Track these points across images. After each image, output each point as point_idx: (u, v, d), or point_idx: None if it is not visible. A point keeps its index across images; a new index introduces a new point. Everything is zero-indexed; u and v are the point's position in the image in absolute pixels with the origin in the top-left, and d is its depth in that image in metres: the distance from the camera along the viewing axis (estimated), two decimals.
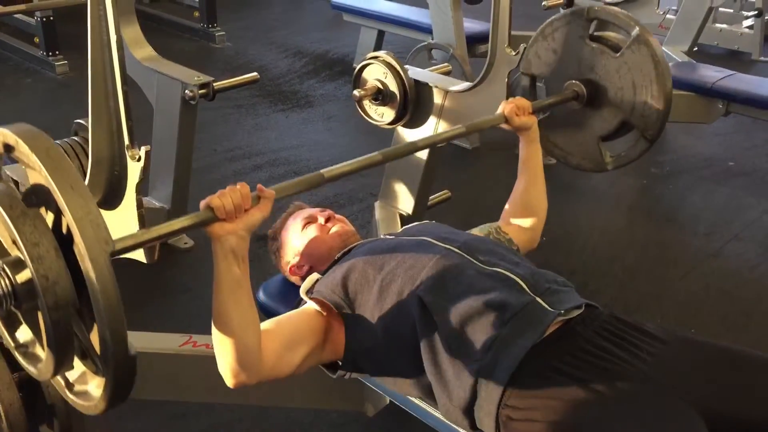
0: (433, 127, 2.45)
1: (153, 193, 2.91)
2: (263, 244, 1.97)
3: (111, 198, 2.06)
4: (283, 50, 5.45)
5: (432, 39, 4.13)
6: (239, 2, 6.52)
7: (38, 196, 1.13)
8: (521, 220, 1.89)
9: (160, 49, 2.83)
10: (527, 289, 1.49)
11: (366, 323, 1.53)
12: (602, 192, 3.67)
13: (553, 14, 2.41)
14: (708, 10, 4.34)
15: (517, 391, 1.37)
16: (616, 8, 2.17)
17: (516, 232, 1.87)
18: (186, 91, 2.63)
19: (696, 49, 4.46)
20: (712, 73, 3.71)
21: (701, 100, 3.61)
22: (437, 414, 1.58)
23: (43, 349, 1.17)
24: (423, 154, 2.51)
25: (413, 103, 2.39)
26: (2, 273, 1.11)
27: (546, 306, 1.46)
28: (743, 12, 5.41)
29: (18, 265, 1.11)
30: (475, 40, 4.09)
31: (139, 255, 2.08)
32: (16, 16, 4.71)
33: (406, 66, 2.40)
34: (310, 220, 1.83)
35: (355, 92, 2.40)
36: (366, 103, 2.44)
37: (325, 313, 1.54)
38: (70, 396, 1.23)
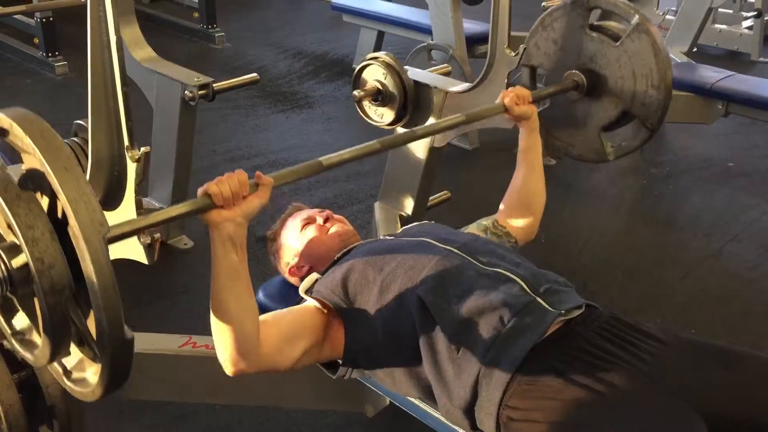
0: None
1: (153, 194, 2.91)
2: (263, 245, 1.97)
3: (111, 199, 2.06)
4: (282, 51, 5.45)
5: (432, 40, 4.12)
6: (239, 3, 6.52)
7: (33, 181, 1.12)
8: (519, 212, 1.89)
9: (159, 50, 2.83)
10: (528, 289, 1.49)
11: (366, 323, 1.53)
12: (602, 193, 3.67)
13: None
14: (707, 11, 4.34)
15: (517, 392, 1.37)
16: None
17: (513, 225, 1.87)
18: (185, 92, 2.63)
19: (695, 49, 4.46)
20: (711, 74, 3.71)
21: (701, 100, 3.61)
22: (437, 415, 1.58)
23: (39, 335, 1.16)
24: (422, 155, 2.51)
25: (413, 104, 2.39)
26: None
27: (547, 306, 1.46)
28: (743, 13, 5.41)
29: (13, 250, 1.10)
30: (474, 41, 4.09)
31: (139, 256, 2.08)
32: (15, 16, 4.71)
33: (406, 67, 2.40)
34: (309, 221, 1.83)
35: (355, 93, 2.39)
36: (366, 103, 2.43)
37: (325, 311, 1.55)
38: (68, 383, 1.22)
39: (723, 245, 3.15)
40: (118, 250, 1.98)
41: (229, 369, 1.39)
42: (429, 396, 1.51)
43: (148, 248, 2.06)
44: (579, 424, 1.32)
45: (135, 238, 2.06)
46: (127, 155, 2.04)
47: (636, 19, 2.05)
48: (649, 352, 1.42)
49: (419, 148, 2.51)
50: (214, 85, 2.64)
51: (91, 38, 1.96)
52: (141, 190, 2.09)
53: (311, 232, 1.81)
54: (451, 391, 1.44)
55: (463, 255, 1.56)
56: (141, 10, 4.60)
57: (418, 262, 1.54)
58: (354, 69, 2.48)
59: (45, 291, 1.06)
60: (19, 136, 1.08)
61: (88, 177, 2.03)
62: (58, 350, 1.15)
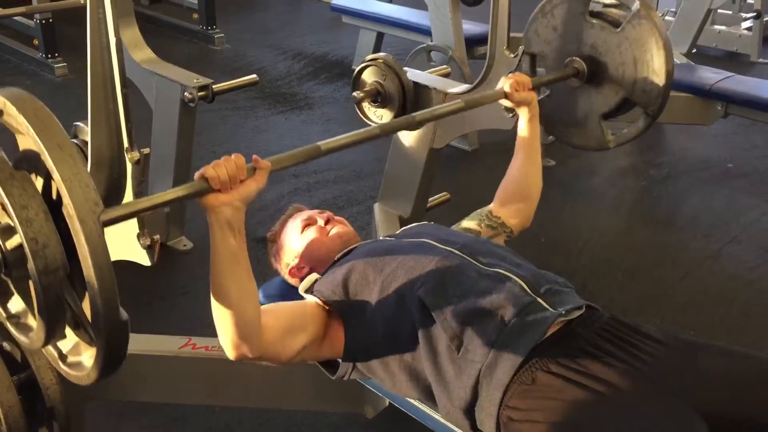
0: (432, 129, 2.45)
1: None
2: (263, 246, 1.97)
3: (110, 200, 2.06)
4: (282, 52, 5.45)
5: (431, 41, 4.13)
6: (238, 4, 6.52)
7: (29, 162, 1.10)
8: (515, 200, 1.88)
9: (159, 52, 2.83)
10: (528, 289, 1.49)
11: (366, 324, 1.53)
12: (601, 194, 3.67)
13: None
14: (707, 12, 4.35)
15: (518, 392, 1.37)
16: None
17: (508, 215, 1.87)
18: (185, 94, 2.63)
19: (695, 50, 4.46)
20: (710, 75, 3.71)
21: (700, 101, 3.61)
22: (437, 416, 1.58)
23: (34, 318, 1.15)
24: (422, 156, 2.51)
25: (412, 105, 2.39)
26: None
27: (547, 307, 1.46)
28: (742, 14, 5.42)
29: (7, 232, 1.09)
30: (474, 42, 4.09)
31: (139, 257, 2.08)
32: (15, 18, 4.71)
33: (405, 68, 2.40)
34: (310, 222, 1.83)
35: (354, 94, 2.40)
36: (365, 104, 2.44)
37: (325, 310, 1.55)
38: (63, 367, 1.21)
39: (722, 246, 3.16)
40: (118, 252, 1.98)
41: (231, 353, 1.39)
42: (429, 397, 1.51)
43: (148, 250, 2.06)
44: (579, 425, 1.32)
45: (135, 238, 2.06)
46: (127, 157, 2.04)
47: (636, 4, 2.04)
48: (648, 353, 1.42)
49: (419, 150, 2.52)
50: (213, 86, 2.64)
51: (91, 40, 1.97)
52: (141, 192, 2.09)
53: (312, 233, 1.80)
54: (452, 391, 1.44)
55: (464, 256, 1.56)
56: (140, 12, 4.60)
57: (418, 263, 1.54)
58: (353, 70, 2.48)
59: (39, 271, 1.04)
60: (13, 115, 1.06)
61: None
62: (53, 332, 1.13)
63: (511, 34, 2.29)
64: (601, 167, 3.91)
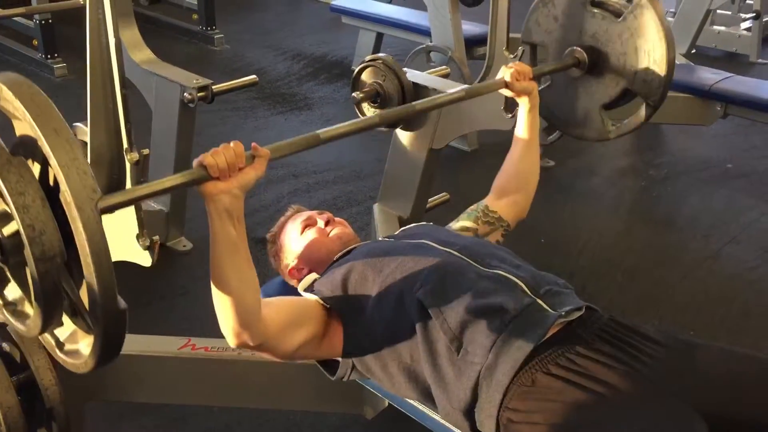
0: (431, 129, 2.45)
1: None
2: (263, 247, 1.97)
3: None
4: (281, 53, 5.45)
5: (430, 41, 4.12)
6: (238, 5, 6.52)
7: (25, 148, 1.09)
8: (513, 191, 1.88)
9: (158, 52, 2.83)
10: (528, 290, 1.49)
11: (365, 324, 1.53)
12: (601, 194, 3.67)
13: None
14: (706, 12, 4.35)
15: (518, 393, 1.37)
16: None
17: (505, 208, 1.86)
18: (185, 94, 2.63)
19: (694, 51, 4.47)
20: (710, 76, 3.72)
21: (699, 102, 3.62)
22: (436, 416, 1.58)
23: (31, 305, 1.14)
24: (422, 157, 2.51)
25: None
26: None
27: (547, 308, 1.46)
28: (741, 14, 5.42)
29: (4, 218, 1.08)
30: (473, 43, 4.09)
31: (139, 258, 2.08)
32: (14, 18, 4.71)
33: (405, 68, 2.40)
34: (309, 223, 1.83)
35: (354, 94, 2.40)
36: (365, 105, 2.44)
37: (326, 308, 1.55)
38: (60, 355, 1.20)
39: (722, 246, 3.16)
40: (118, 252, 1.98)
41: (232, 341, 1.39)
42: (428, 398, 1.51)
43: (148, 250, 2.06)
44: (579, 426, 1.32)
45: (135, 239, 2.06)
46: (126, 157, 2.04)
47: None
48: (648, 354, 1.42)
49: (418, 150, 2.52)
50: (213, 86, 2.64)
51: (90, 40, 1.97)
52: None
53: (312, 234, 1.80)
54: (451, 393, 1.44)
55: (463, 257, 1.56)
56: (140, 12, 4.60)
57: (417, 264, 1.54)
58: (353, 71, 2.48)
59: (36, 258, 1.03)
60: (9, 100, 1.05)
61: None
62: (50, 320, 1.13)
63: (511, 35, 2.29)
64: (600, 168, 3.91)
